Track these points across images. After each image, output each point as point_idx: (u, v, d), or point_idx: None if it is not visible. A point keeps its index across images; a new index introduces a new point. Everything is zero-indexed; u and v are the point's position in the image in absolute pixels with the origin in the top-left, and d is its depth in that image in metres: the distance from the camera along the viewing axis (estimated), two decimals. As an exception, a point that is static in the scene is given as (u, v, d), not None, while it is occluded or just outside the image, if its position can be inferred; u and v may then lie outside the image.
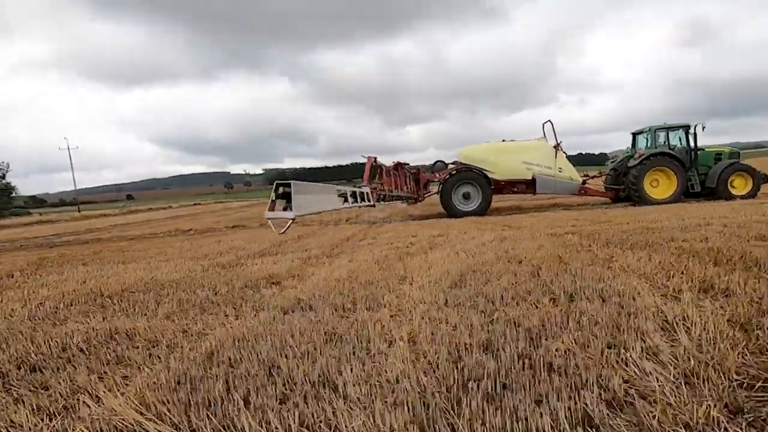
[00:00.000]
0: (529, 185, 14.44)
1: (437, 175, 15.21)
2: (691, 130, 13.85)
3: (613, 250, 5.33)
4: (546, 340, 2.58)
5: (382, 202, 9.26)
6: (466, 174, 14.39)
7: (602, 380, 2.06)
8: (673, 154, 13.56)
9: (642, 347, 2.36)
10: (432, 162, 16.56)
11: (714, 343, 2.33)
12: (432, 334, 2.80)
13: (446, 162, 15.87)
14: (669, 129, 14.12)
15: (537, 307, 3.22)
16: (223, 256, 7.26)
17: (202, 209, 41.62)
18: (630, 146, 15.31)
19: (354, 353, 2.61)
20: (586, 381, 2.06)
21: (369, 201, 7.06)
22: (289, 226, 4.21)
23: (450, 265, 4.94)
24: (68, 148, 64.11)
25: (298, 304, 3.79)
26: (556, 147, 14.26)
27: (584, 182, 14.64)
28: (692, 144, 13.87)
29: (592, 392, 1.96)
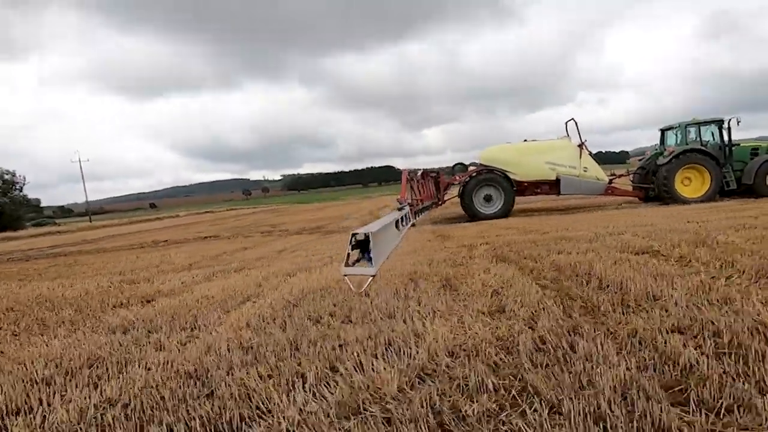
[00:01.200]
0: (553, 186, 13.98)
1: (457, 178, 14.84)
2: (725, 125, 13.17)
3: (479, 264, 5.37)
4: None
5: (420, 215, 8.85)
6: (488, 176, 14.01)
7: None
8: (706, 150, 12.91)
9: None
10: (451, 164, 16.21)
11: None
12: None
13: (466, 164, 15.49)
14: (700, 124, 13.47)
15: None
16: (143, 271, 8.02)
17: (211, 217, 41.86)
18: (658, 143, 14.67)
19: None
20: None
21: (410, 220, 6.54)
22: (369, 284, 3.79)
23: (306, 283, 5.08)
24: (79, 161, 65.96)
25: (134, 325, 4.05)
26: (581, 146, 13.78)
27: (611, 182, 14.10)
28: (726, 139, 13.18)
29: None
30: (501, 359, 2.54)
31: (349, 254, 3.69)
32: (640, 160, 15.33)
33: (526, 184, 14.12)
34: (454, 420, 1.97)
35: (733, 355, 2.29)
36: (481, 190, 14.00)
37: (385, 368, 2.48)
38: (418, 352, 2.68)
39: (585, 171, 13.77)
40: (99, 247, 16.52)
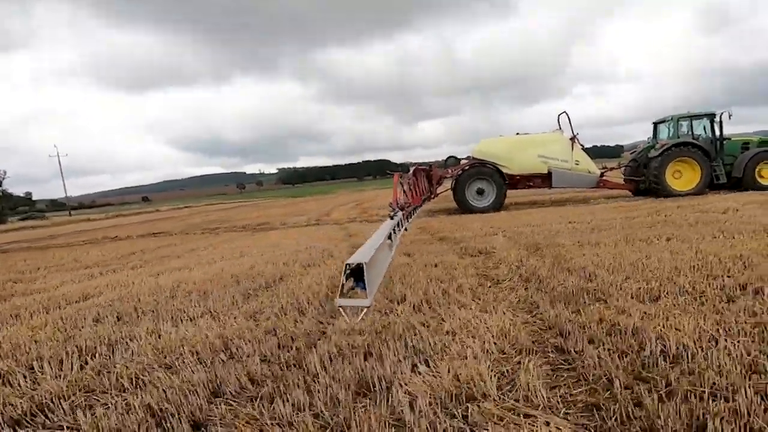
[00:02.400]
0: (545, 179, 14.01)
1: (450, 171, 14.85)
2: (717, 119, 13.25)
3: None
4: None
5: (413, 216, 8.89)
6: (480, 169, 14.01)
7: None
8: (697, 143, 12.99)
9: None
10: (445, 158, 16.20)
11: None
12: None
13: (459, 157, 15.48)
14: (692, 118, 13.51)
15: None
16: (40, 270, 9.14)
17: (187, 212, 41.50)
18: (651, 136, 14.77)
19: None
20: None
21: (402, 226, 6.53)
22: (364, 314, 3.77)
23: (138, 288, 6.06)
24: (57, 156, 64.82)
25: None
26: (573, 139, 13.80)
27: (602, 174, 14.16)
28: (717, 133, 13.30)
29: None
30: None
31: (343, 284, 3.64)
32: (632, 153, 15.40)
33: (518, 177, 14.13)
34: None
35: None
36: (474, 184, 14.01)
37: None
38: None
39: (577, 164, 13.81)
40: (49, 243, 17.06)
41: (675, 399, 2.15)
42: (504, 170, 13.92)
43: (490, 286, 4.52)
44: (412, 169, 11.22)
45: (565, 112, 13.98)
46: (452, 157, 15.83)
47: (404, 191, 9.05)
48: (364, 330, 3.54)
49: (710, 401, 2.11)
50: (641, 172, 13.89)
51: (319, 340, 3.45)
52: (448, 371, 2.58)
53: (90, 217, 45.24)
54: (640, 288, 3.87)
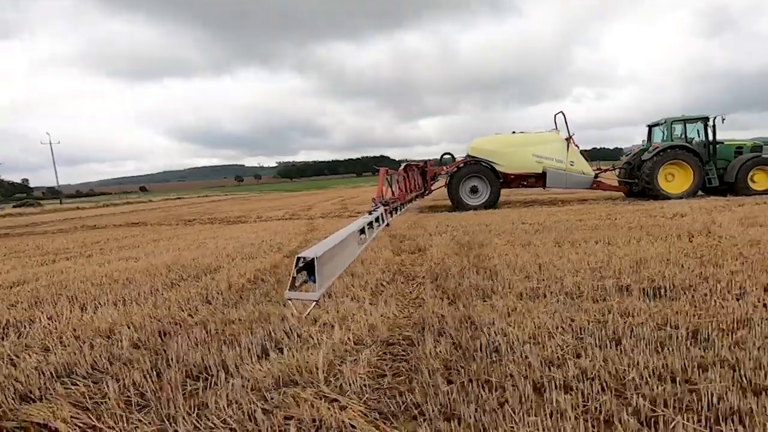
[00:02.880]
0: (539, 179, 13.95)
1: (445, 168, 14.81)
2: (710, 123, 13.14)
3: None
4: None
5: (399, 212, 8.81)
6: (474, 167, 13.99)
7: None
8: (690, 146, 12.88)
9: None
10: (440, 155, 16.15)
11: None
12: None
13: (454, 155, 15.44)
14: (686, 121, 13.41)
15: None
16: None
17: (180, 203, 41.22)
18: (646, 139, 14.68)
19: None
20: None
21: (384, 222, 6.51)
22: (311, 309, 3.77)
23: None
24: (50, 143, 64.08)
25: None
26: (568, 140, 13.72)
27: (596, 176, 14.08)
28: (711, 137, 13.20)
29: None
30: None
31: (294, 278, 3.63)
32: (626, 155, 15.33)
33: (512, 176, 14.08)
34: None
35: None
36: (468, 181, 13.99)
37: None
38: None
39: (571, 165, 13.73)
40: (28, 231, 17.28)
41: (471, 387, 2.39)
42: (499, 168, 13.89)
43: (401, 282, 4.68)
44: (402, 166, 11.15)
45: (561, 112, 13.91)
46: (448, 154, 15.82)
47: (391, 187, 8.97)
48: (242, 318, 3.76)
49: (506, 389, 2.35)
50: (635, 174, 13.82)
51: (191, 326, 3.69)
52: (293, 358, 2.82)
53: (79, 206, 44.74)
54: (528, 287, 4.05)
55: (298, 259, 3.75)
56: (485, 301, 3.85)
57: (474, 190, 14.00)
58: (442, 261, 5.57)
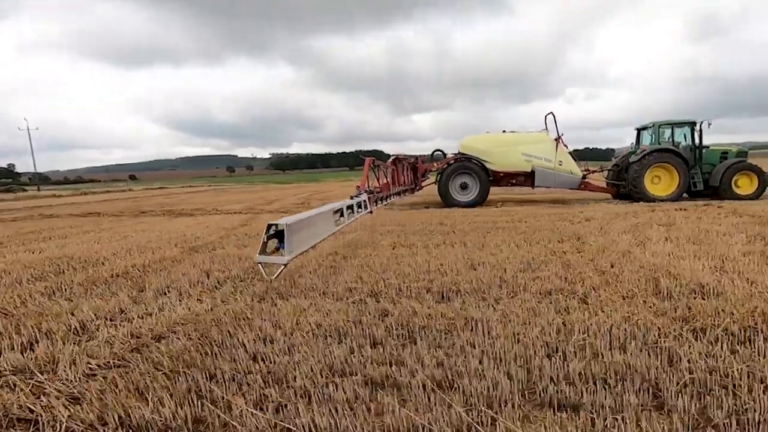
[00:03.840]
0: (528, 177, 14.16)
1: (435, 165, 14.95)
2: (697, 127, 13.47)
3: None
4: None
5: (385, 201, 8.91)
6: (465, 164, 14.14)
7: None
8: (676, 150, 13.20)
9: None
10: (449, 152, 16.25)
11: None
12: None
13: (445, 152, 15.56)
14: (674, 125, 13.75)
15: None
16: None
17: (156, 193, 39.88)
18: (634, 142, 14.94)
19: None
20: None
21: (367, 208, 6.70)
22: (281, 272, 3.93)
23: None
24: (27, 129, 62.22)
25: None
26: (557, 140, 13.95)
27: (584, 177, 14.33)
28: (697, 141, 13.49)
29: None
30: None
31: (264, 243, 3.82)
32: (615, 157, 15.58)
33: (502, 174, 14.26)
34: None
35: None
36: (458, 178, 14.13)
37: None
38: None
39: (560, 165, 13.95)
40: None
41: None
42: (488, 166, 14.06)
43: (259, 280, 4.84)
44: (391, 158, 11.25)
45: (551, 113, 14.10)
46: (439, 151, 15.93)
47: (378, 178, 9.06)
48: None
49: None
50: (622, 177, 14.08)
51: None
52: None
53: (56, 193, 43.91)
54: (342, 288, 4.37)
55: (269, 226, 3.98)
56: (285, 300, 4.12)
57: (464, 187, 14.15)
58: (319, 264, 5.78)
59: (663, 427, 2.00)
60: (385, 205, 8.83)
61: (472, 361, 2.68)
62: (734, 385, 2.34)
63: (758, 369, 2.47)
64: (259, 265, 3.89)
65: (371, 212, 7.03)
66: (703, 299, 3.65)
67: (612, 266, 4.85)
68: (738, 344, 2.82)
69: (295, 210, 15.17)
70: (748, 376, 2.41)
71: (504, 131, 14.96)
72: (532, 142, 14.09)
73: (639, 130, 14.70)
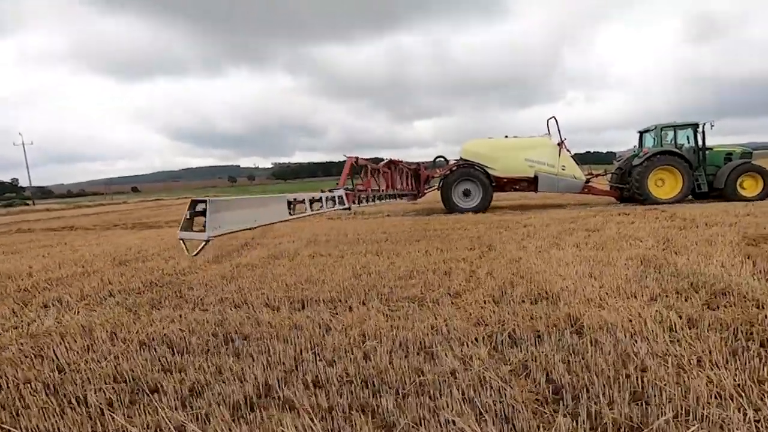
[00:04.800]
0: (531, 183, 14.10)
1: (438, 171, 14.90)
2: (700, 129, 13.40)
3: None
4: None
5: (371, 202, 8.87)
6: (467, 170, 14.08)
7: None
8: (680, 152, 13.13)
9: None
10: (450, 158, 16.19)
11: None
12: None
13: (447, 158, 15.52)
14: (677, 127, 13.69)
15: None
16: None
17: (149, 206, 39.76)
18: (637, 144, 14.88)
19: None
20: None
21: (344, 204, 6.79)
22: (202, 248, 3.93)
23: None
24: (23, 144, 62.90)
25: None
26: (560, 144, 13.89)
27: (588, 181, 14.25)
28: (700, 143, 13.43)
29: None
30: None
31: (186, 219, 3.83)
32: (618, 160, 15.51)
33: (505, 179, 14.20)
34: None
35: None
36: (460, 185, 14.07)
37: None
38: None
39: (563, 169, 13.88)
40: None
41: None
42: (491, 172, 13.99)
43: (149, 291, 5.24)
44: (386, 160, 11.14)
45: (553, 117, 14.07)
46: (441, 157, 15.87)
47: (361, 177, 9.01)
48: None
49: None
50: (626, 180, 14.00)
51: None
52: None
53: (49, 207, 43.33)
54: (227, 297, 4.72)
55: (193, 202, 4.00)
56: (158, 310, 4.50)
57: (466, 194, 14.09)
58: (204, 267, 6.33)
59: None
60: (371, 204, 8.84)
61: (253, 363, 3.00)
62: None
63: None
64: (181, 241, 3.93)
65: (349, 208, 7.11)
66: (532, 304, 3.85)
67: (489, 273, 5.01)
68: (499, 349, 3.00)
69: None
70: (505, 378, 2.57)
71: (506, 136, 14.91)
72: (534, 147, 14.03)
73: (641, 133, 14.65)
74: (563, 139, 13.93)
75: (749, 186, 12.90)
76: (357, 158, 8.53)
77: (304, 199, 5.51)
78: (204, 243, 3.73)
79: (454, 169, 14.28)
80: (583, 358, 2.72)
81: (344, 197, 6.74)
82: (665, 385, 2.34)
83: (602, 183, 15.37)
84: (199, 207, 3.74)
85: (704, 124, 13.29)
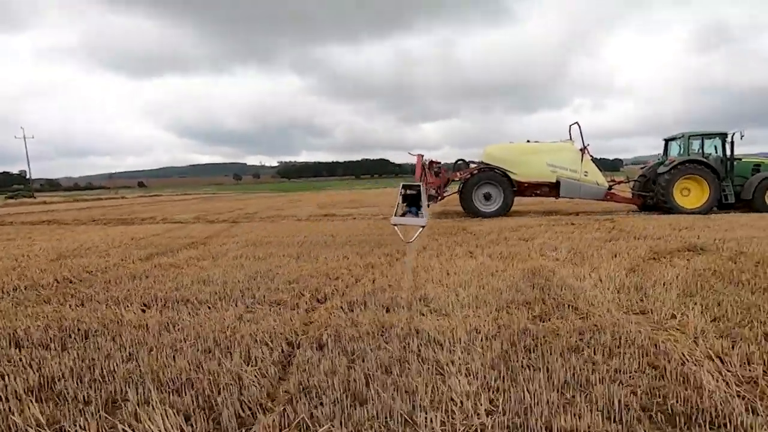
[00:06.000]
0: (553, 188, 13.97)
1: (458, 174, 14.76)
2: (728, 139, 13.22)
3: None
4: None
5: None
6: (488, 174, 13.98)
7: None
8: (707, 162, 12.96)
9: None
10: (452, 160, 16.08)
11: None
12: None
13: (467, 161, 15.39)
14: (704, 136, 13.52)
15: None
16: None
17: (145, 200, 40.19)
18: (662, 153, 14.70)
19: None
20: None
21: (432, 199, 6.84)
22: (418, 234, 4.06)
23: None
24: (24, 138, 63.56)
25: None
26: (583, 150, 13.76)
27: (610, 188, 14.10)
28: (728, 153, 13.23)
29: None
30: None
31: (399, 205, 4.03)
32: (641, 167, 15.34)
33: (526, 184, 14.08)
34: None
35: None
36: (481, 188, 13.96)
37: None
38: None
39: (585, 175, 13.74)
40: None
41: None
42: (512, 176, 13.88)
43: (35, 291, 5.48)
44: (427, 162, 10.98)
45: (576, 122, 13.97)
46: (461, 160, 15.71)
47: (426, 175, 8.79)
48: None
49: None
50: (650, 188, 13.84)
51: None
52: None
53: (46, 200, 42.98)
54: (114, 296, 4.97)
55: (404, 186, 4.21)
56: (46, 304, 4.80)
57: (487, 197, 13.97)
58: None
59: None
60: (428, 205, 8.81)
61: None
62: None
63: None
64: (395, 227, 4.17)
65: (429, 205, 7.16)
66: (387, 312, 4.05)
67: (373, 281, 5.15)
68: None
69: (249, 218, 15.51)
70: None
71: (528, 141, 14.79)
72: (556, 152, 13.93)
73: (667, 141, 14.49)
74: (586, 144, 13.82)
75: (779, 197, 12.69)
76: (422, 155, 8.40)
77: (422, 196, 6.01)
78: (421, 229, 3.90)
79: (475, 172, 14.16)
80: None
81: (429, 191, 6.78)
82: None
83: (624, 190, 15.20)
84: (407, 191, 4.03)
85: (733, 133, 13.12)
